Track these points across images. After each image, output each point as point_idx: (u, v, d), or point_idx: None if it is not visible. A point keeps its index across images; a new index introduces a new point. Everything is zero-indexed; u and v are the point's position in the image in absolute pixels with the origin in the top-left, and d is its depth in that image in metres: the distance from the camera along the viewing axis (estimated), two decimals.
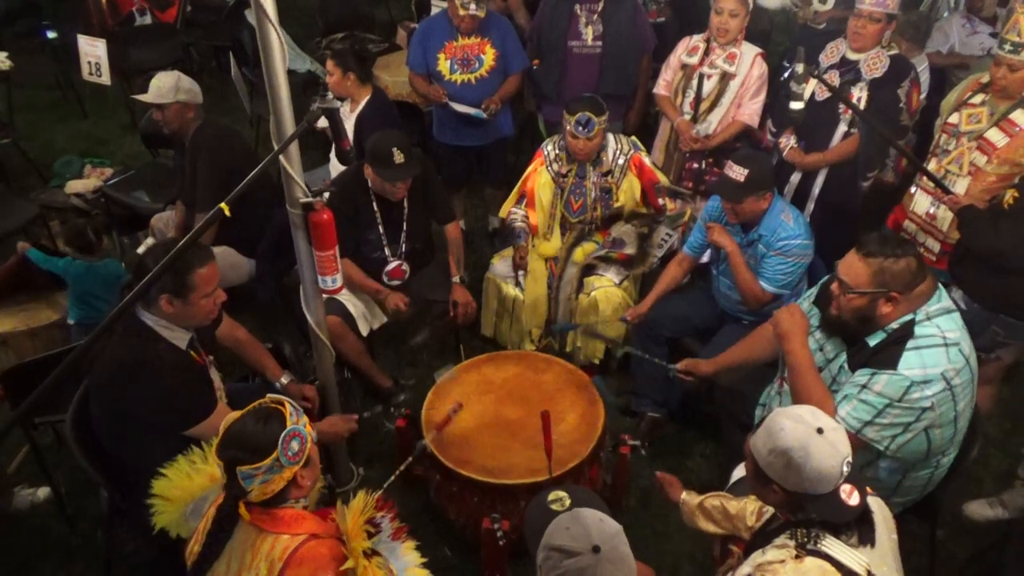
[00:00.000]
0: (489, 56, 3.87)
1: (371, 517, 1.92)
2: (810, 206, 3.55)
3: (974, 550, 2.83)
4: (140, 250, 4.29)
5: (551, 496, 1.75)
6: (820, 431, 1.65)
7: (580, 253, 3.52)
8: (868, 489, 1.81)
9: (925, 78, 4.01)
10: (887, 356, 2.09)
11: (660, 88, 3.84)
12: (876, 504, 1.80)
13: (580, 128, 3.25)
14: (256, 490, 1.74)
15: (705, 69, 3.65)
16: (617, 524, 1.64)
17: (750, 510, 2.09)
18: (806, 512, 1.69)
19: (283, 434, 1.73)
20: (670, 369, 2.87)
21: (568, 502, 1.73)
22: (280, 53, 2.02)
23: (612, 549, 1.56)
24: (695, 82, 3.68)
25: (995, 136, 2.83)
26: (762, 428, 1.73)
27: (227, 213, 1.89)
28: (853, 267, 2.12)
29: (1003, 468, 3.15)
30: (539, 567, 1.60)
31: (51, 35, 5.81)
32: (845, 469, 1.65)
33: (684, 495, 2.30)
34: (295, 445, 1.76)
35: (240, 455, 1.72)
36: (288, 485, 1.78)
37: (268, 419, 1.76)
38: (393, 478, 2.50)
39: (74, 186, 4.72)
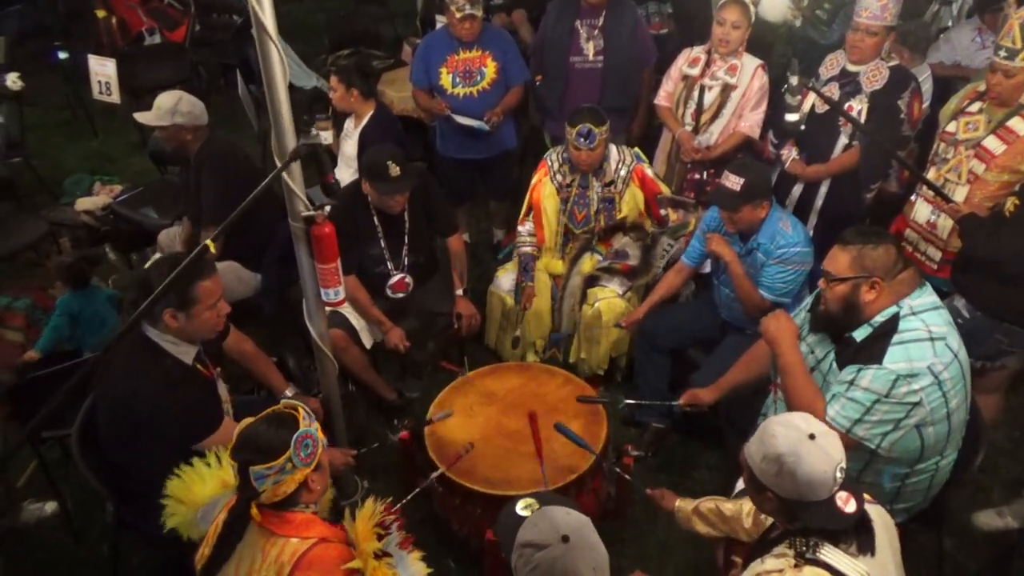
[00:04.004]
0: (490, 69, 3.90)
1: (381, 520, 1.94)
2: (813, 218, 3.55)
3: (983, 561, 2.80)
4: (147, 265, 4.34)
5: (521, 503, 1.80)
6: (812, 437, 1.66)
7: (586, 264, 3.53)
8: (868, 497, 1.80)
9: (927, 87, 4.00)
10: (873, 351, 2.12)
11: (661, 99, 3.86)
12: (876, 512, 1.79)
13: (581, 139, 3.27)
14: (268, 491, 1.77)
15: (706, 81, 3.66)
16: (585, 516, 1.66)
17: (746, 511, 2.10)
18: (800, 520, 1.69)
19: (296, 435, 1.77)
20: (675, 407, 2.88)
21: (537, 506, 1.77)
22: (281, 69, 2.04)
23: (581, 538, 1.59)
24: (696, 93, 3.69)
25: (993, 144, 2.82)
26: (755, 435, 1.74)
27: (212, 250, 1.94)
28: (835, 257, 2.20)
29: (1012, 477, 3.13)
30: (514, 568, 1.62)
31: (62, 55, 5.88)
32: (838, 475, 1.65)
33: (678, 502, 2.32)
34: (307, 447, 1.80)
35: (253, 456, 1.76)
36: (299, 488, 1.81)
37: (282, 422, 1.80)
38: (404, 501, 2.53)
39: (84, 203, 4.78)
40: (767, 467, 1.68)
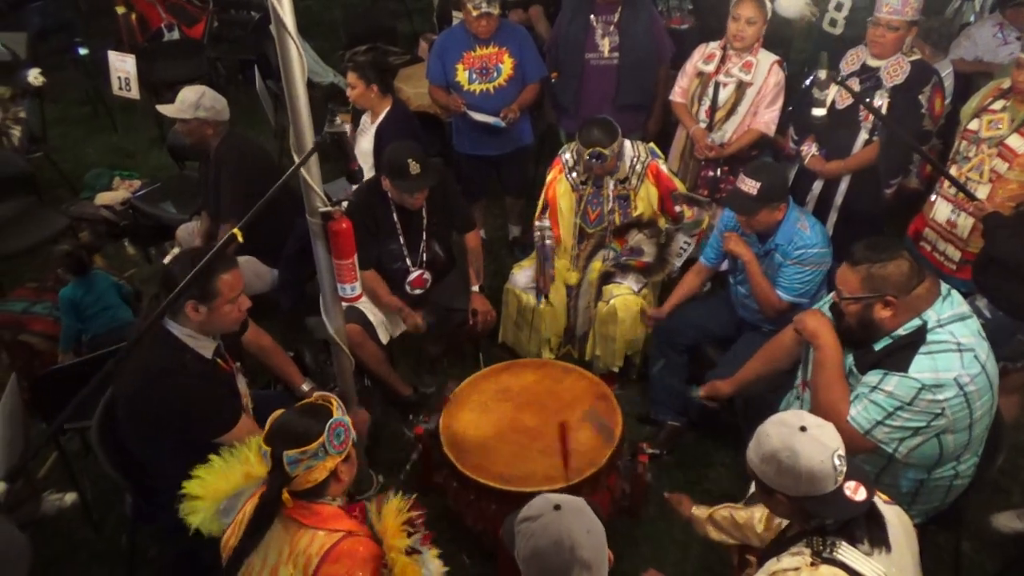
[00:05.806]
0: (507, 65, 3.89)
1: (409, 519, 1.96)
2: (832, 215, 3.52)
3: (1002, 563, 2.77)
4: (166, 260, 4.38)
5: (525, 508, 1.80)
6: (803, 429, 1.67)
7: (597, 266, 3.51)
8: (885, 497, 1.80)
9: (949, 83, 3.96)
10: (898, 359, 2.09)
11: (676, 95, 3.84)
12: (894, 513, 1.79)
13: (594, 161, 3.26)
14: (300, 476, 1.80)
15: (721, 77, 3.63)
16: (582, 500, 1.69)
17: (757, 517, 2.09)
18: (816, 518, 1.69)
19: (329, 422, 1.82)
20: (694, 397, 2.87)
21: None
22: (299, 65, 2.04)
23: (573, 506, 1.62)
24: (711, 90, 3.66)
25: (1016, 142, 2.78)
26: (752, 440, 1.75)
27: (240, 239, 1.96)
28: (845, 276, 2.17)
29: None
30: (517, 554, 1.62)
31: (83, 52, 5.96)
32: (837, 463, 1.65)
33: (694, 510, 2.33)
34: (339, 436, 1.85)
35: (288, 441, 1.80)
36: (329, 477, 1.84)
37: (316, 411, 1.86)
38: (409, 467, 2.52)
39: (103, 198, 4.83)
40: (767, 468, 1.69)
